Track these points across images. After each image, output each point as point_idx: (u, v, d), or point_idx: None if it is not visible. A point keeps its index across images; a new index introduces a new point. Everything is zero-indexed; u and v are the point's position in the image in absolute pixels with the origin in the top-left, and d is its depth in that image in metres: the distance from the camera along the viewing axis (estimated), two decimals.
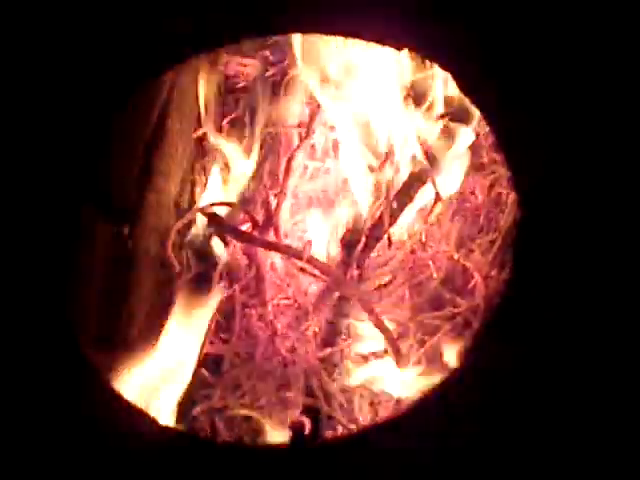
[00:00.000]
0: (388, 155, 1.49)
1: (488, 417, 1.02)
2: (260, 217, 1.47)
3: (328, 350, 1.40)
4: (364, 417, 1.37)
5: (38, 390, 1.04)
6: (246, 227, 1.47)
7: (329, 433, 1.34)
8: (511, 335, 1.02)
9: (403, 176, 1.48)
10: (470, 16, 1.10)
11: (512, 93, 1.08)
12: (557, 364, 1.02)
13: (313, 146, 1.55)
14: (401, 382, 1.33)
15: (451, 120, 1.43)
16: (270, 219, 1.45)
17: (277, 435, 1.33)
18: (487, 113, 1.09)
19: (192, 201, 1.52)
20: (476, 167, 1.50)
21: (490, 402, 1.02)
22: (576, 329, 1.03)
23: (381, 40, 1.17)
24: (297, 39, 1.43)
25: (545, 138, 1.07)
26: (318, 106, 1.51)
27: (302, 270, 1.42)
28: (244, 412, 1.35)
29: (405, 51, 1.24)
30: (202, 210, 1.44)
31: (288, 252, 1.42)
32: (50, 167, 1.12)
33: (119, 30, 1.13)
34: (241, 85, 1.57)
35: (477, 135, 1.45)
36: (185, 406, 1.35)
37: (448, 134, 1.45)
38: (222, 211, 1.46)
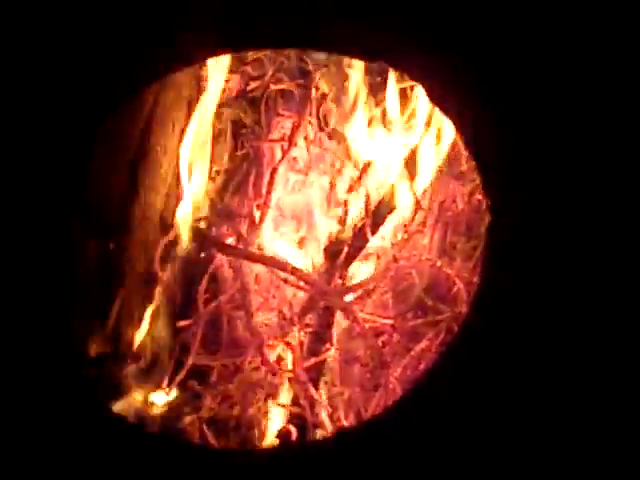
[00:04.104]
0: (369, 165, 1.51)
1: (470, 416, 1.04)
2: (244, 229, 1.49)
3: (313, 359, 1.42)
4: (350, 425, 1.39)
5: (24, 405, 1.05)
6: (231, 240, 1.50)
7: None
8: (484, 341, 1.04)
9: (384, 186, 1.51)
10: (442, 28, 1.11)
11: (482, 102, 1.09)
12: (534, 368, 1.04)
13: (295, 159, 1.57)
14: None
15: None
16: (254, 231, 1.48)
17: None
18: (458, 123, 1.11)
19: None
20: (456, 175, 1.52)
21: (470, 402, 1.04)
22: (552, 332, 1.05)
23: (356, 52, 1.19)
24: None
25: (516, 144, 1.08)
26: (300, 119, 1.53)
27: (286, 281, 1.43)
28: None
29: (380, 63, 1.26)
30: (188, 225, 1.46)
31: (272, 264, 1.44)
32: (36, 183, 1.13)
33: (101, 45, 1.15)
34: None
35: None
36: (174, 417, 1.37)
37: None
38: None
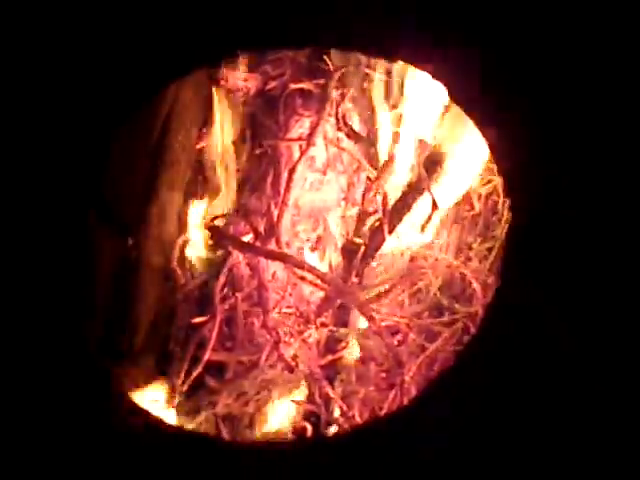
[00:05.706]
0: (387, 165, 1.52)
1: (485, 416, 1.04)
2: (262, 227, 1.50)
3: (329, 357, 1.43)
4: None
5: (44, 398, 1.06)
6: (248, 238, 1.51)
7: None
8: (500, 342, 1.04)
9: (401, 185, 1.51)
10: (463, 28, 1.12)
11: (504, 101, 1.10)
12: (550, 368, 1.04)
13: (313, 158, 1.58)
14: None
15: None
16: (272, 229, 1.49)
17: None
18: (479, 121, 1.11)
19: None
20: None
21: (485, 402, 1.05)
22: (569, 333, 1.05)
23: (375, 51, 1.19)
24: None
25: (538, 144, 1.09)
26: (318, 119, 1.54)
27: (303, 279, 1.44)
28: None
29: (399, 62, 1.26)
30: (205, 223, 1.48)
31: (289, 261, 1.45)
32: (55, 181, 1.14)
33: (121, 45, 1.16)
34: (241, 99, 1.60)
35: None
36: (190, 413, 1.39)
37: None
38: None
